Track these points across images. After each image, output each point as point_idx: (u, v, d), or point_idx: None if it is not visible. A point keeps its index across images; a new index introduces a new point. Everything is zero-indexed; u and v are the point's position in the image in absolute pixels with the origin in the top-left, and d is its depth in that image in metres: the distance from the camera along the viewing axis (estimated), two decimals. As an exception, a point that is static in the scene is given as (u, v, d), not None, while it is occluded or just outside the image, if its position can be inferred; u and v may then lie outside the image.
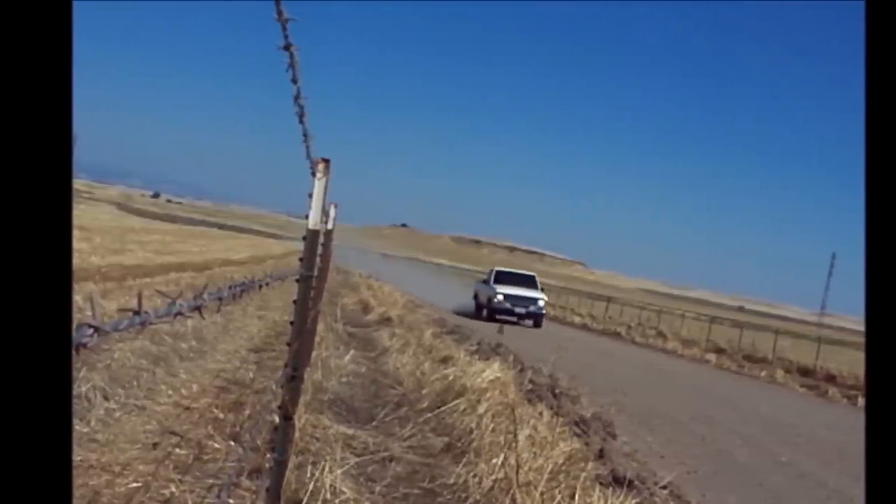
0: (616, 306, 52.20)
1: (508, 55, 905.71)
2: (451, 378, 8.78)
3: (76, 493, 4.00)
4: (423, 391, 8.76)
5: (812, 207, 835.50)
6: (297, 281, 3.68)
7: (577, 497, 5.08)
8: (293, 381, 3.78)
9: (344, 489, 4.97)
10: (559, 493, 5.10)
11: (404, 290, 32.92)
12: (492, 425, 6.77)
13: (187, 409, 6.39)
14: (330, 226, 6.92)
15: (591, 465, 6.21)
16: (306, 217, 3.51)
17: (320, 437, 6.22)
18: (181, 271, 21.52)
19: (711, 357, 28.75)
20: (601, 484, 5.77)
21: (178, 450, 5.13)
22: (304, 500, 4.70)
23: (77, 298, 6.74)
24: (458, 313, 30.08)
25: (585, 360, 19.11)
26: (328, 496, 4.83)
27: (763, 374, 25.09)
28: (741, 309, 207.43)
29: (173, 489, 4.47)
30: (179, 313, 2.59)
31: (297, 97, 2.73)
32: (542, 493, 5.03)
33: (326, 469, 5.06)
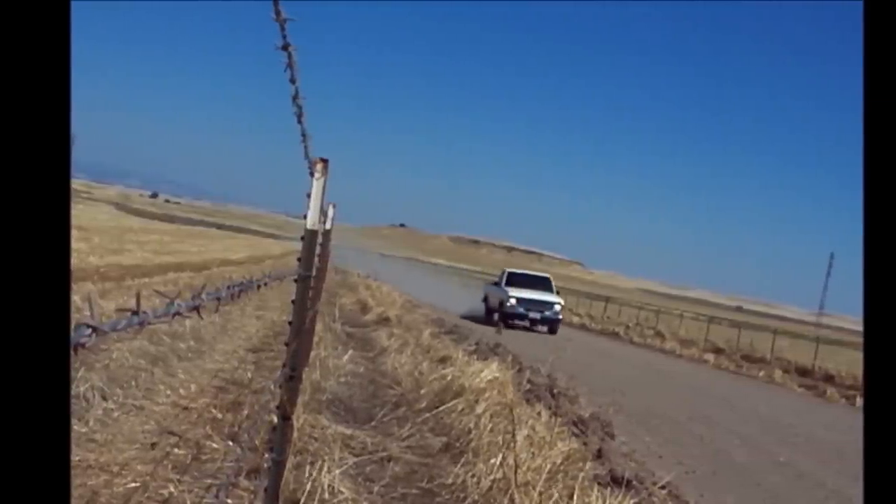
0: (614, 306, 52.21)
1: (506, 55, 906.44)
2: (449, 378, 8.78)
3: (74, 492, 4.00)
4: (422, 391, 8.76)
5: (810, 207, 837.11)
6: (296, 281, 3.68)
7: (575, 497, 5.07)
8: (291, 381, 3.78)
9: (342, 489, 4.97)
10: (557, 493, 5.10)
11: (402, 290, 32.79)
12: (490, 425, 6.77)
13: (185, 409, 6.38)
14: (328, 226, 6.92)
15: (589, 465, 6.21)
16: (304, 217, 3.51)
17: (318, 437, 6.22)
18: (179, 271, 21.50)
19: (710, 357, 28.77)
20: (599, 484, 5.78)
21: (176, 450, 5.12)
22: (302, 500, 4.70)
23: (75, 298, 6.73)
24: (467, 318, 28.73)
25: (584, 360, 19.11)
26: (326, 496, 4.83)
27: (761, 374, 25.11)
28: (739, 309, 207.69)
29: (171, 489, 4.47)
30: (178, 313, 2.58)
31: (295, 97, 2.73)
32: (540, 493, 5.03)
33: (324, 469, 5.06)
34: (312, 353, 9.03)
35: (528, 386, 10.11)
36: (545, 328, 28.44)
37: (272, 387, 5.19)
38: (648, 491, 6.19)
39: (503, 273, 31.14)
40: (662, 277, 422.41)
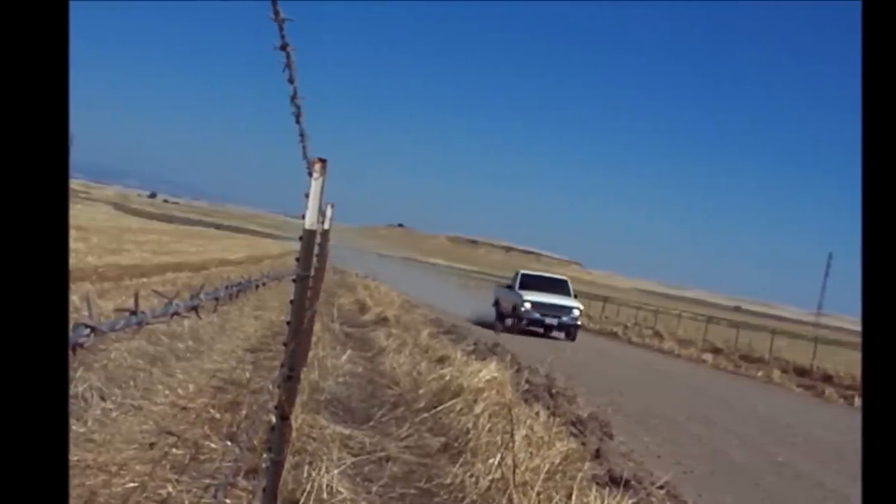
0: (613, 306, 52.26)
1: (504, 55, 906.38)
2: (447, 378, 8.78)
3: (73, 493, 3.99)
4: (420, 391, 8.76)
5: (808, 207, 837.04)
6: (294, 281, 3.68)
7: (573, 497, 5.08)
8: (290, 380, 3.78)
9: (340, 489, 4.97)
10: (556, 493, 5.10)
11: (400, 290, 32.72)
12: (488, 425, 6.77)
13: (184, 409, 6.38)
14: (326, 226, 6.92)
15: (587, 464, 6.22)
16: (303, 217, 3.51)
17: (317, 437, 6.21)
18: (178, 271, 21.49)
19: (708, 357, 28.79)
20: (598, 484, 5.78)
21: (174, 450, 5.12)
22: (301, 500, 4.70)
23: (74, 298, 6.72)
24: (478, 324, 26.74)
25: (582, 360, 19.13)
26: (325, 496, 4.83)
27: (760, 374, 25.13)
28: (738, 309, 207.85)
29: (170, 489, 4.46)
30: (176, 313, 2.58)
31: (293, 97, 2.73)
32: (538, 493, 5.03)
33: (323, 469, 5.06)
34: (311, 353, 9.02)
35: (527, 386, 10.11)
36: (562, 334, 26.55)
37: (270, 387, 5.19)
38: (647, 491, 6.20)
39: (516, 275, 29.00)
40: (660, 277, 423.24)
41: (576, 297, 28.07)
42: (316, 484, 4.87)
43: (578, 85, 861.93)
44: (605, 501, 5.18)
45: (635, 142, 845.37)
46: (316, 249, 4.37)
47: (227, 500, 4.37)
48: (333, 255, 27.71)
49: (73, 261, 13.98)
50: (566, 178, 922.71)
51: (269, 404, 5.21)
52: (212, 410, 6.36)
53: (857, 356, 15.39)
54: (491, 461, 5.68)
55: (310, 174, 3.48)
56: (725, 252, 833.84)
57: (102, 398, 6.09)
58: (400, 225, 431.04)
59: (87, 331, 1.71)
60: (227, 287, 4.92)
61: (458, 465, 5.97)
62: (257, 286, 7.44)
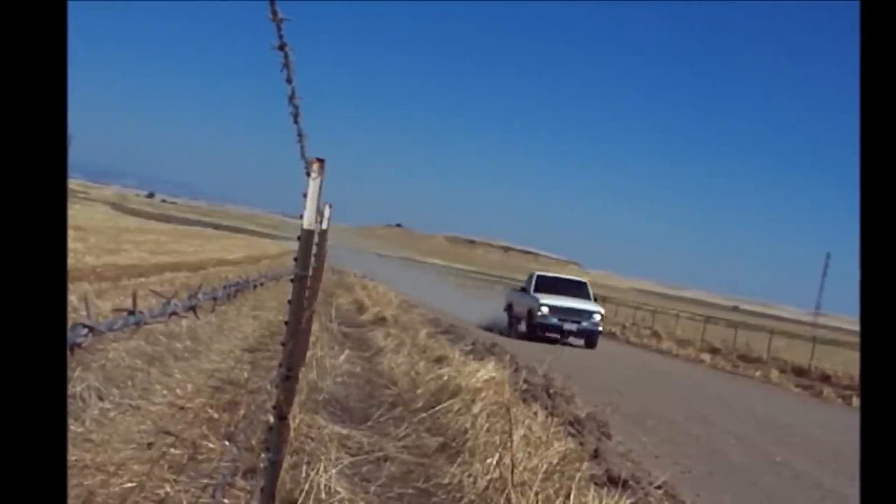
0: (611, 306, 52.13)
1: (502, 55, 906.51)
2: (445, 378, 8.78)
3: (71, 493, 3.99)
4: (418, 391, 8.76)
5: (807, 207, 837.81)
6: (292, 281, 3.68)
7: (571, 497, 5.08)
8: (288, 380, 3.77)
9: (338, 489, 4.96)
10: (554, 492, 5.11)
11: (398, 290, 32.68)
12: (486, 425, 6.77)
13: (182, 408, 6.38)
14: (324, 226, 6.91)
15: (585, 464, 6.21)
16: (301, 217, 3.51)
17: (315, 436, 6.21)
18: (176, 271, 21.48)
19: (706, 357, 28.77)
20: (596, 484, 5.78)
21: (172, 450, 5.12)
22: (299, 500, 4.70)
23: (72, 298, 6.73)
24: (490, 329, 25.26)
25: (580, 361, 19.12)
26: (323, 496, 4.82)
27: (758, 374, 25.12)
28: (736, 309, 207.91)
29: (168, 489, 4.46)
30: (174, 313, 2.58)
31: (291, 97, 2.73)
32: (536, 493, 5.03)
33: (321, 469, 5.05)
34: (309, 353, 9.02)
35: (525, 386, 10.11)
36: (581, 341, 24.45)
37: (268, 387, 5.20)
38: (645, 491, 6.20)
39: (531, 277, 26.58)
40: (659, 277, 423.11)
41: (596, 300, 26.27)
42: (314, 484, 4.87)
43: (576, 85, 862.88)
44: (604, 501, 5.18)
45: (633, 142, 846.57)
46: (314, 249, 4.38)
47: (225, 500, 4.37)
48: (331, 255, 27.67)
49: (71, 261, 13.97)
50: (564, 178, 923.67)
51: (267, 404, 5.22)
52: (210, 410, 6.35)
53: (856, 356, 15.41)
54: (489, 461, 5.68)
55: (308, 174, 3.48)
56: (724, 252, 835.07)
57: (100, 398, 6.09)
58: (398, 225, 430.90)
59: (86, 331, 1.71)
60: (225, 287, 4.93)
61: (456, 465, 5.97)
62: (255, 286, 7.45)
